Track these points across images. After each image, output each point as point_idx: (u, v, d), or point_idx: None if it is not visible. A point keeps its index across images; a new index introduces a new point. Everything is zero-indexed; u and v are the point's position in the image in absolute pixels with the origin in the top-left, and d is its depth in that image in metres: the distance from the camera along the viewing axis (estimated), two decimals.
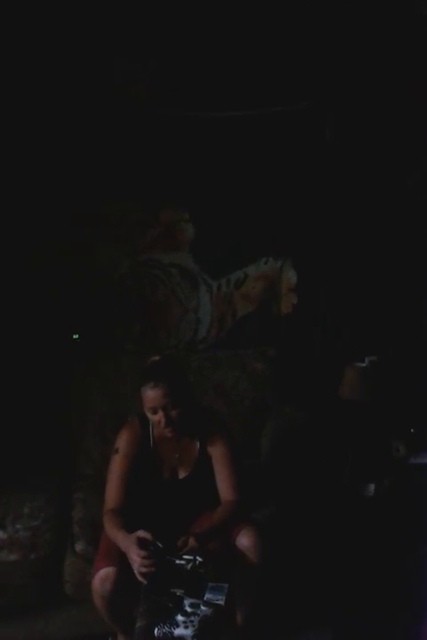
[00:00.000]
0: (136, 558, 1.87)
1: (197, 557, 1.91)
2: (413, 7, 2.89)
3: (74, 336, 3.16)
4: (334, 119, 3.20)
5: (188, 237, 3.30)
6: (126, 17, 2.93)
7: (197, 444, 2.21)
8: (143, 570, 1.86)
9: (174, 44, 3.05)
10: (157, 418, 2.09)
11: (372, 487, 2.58)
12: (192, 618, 1.77)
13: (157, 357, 2.20)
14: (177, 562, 1.91)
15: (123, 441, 2.18)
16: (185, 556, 1.92)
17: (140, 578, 1.87)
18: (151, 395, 2.07)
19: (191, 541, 1.93)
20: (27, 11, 2.79)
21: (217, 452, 2.19)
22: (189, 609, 1.80)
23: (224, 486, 2.18)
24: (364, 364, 2.99)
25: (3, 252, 2.98)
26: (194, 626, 1.75)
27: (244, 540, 2.07)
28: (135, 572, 1.88)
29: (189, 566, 1.90)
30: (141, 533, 1.92)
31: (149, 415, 2.11)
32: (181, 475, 2.20)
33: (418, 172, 3.17)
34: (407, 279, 3.25)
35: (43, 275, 3.05)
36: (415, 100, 3.06)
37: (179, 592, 1.85)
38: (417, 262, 3.19)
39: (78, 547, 2.32)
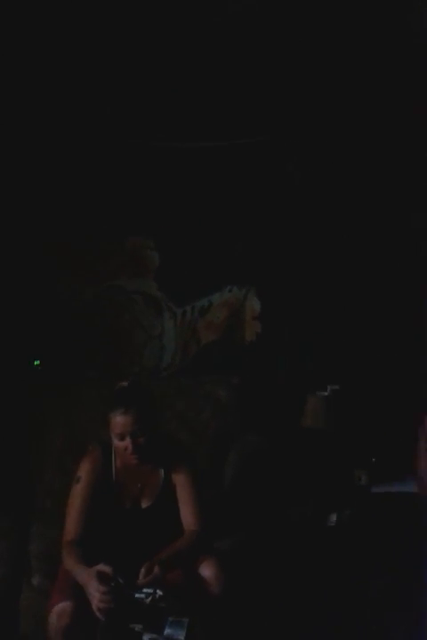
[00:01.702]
0: (95, 594, 1.83)
1: (157, 591, 1.87)
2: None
3: (35, 362, 3.10)
4: (296, 151, 3.26)
5: (153, 265, 3.30)
6: (92, 48, 2.95)
7: (162, 473, 2.18)
8: (102, 605, 1.82)
9: (141, 75, 3.08)
10: (123, 444, 2.07)
11: (334, 517, 2.59)
12: None
13: (125, 383, 2.18)
14: (136, 595, 1.86)
15: (84, 470, 2.14)
16: (145, 590, 1.88)
17: (98, 614, 1.83)
18: (120, 421, 2.05)
19: (155, 569, 1.90)
20: None
21: (181, 482, 2.17)
22: None
23: (187, 515, 2.16)
24: (326, 393, 3.01)
25: None
26: None
27: (206, 571, 2.04)
28: (93, 607, 1.83)
29: (148, 600, 1.86)
30: (101, 567, 1.87)
31: (116, 441, 2.08)
32: (144, 504, 2.17)
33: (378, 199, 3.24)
34: (369, 308, 3.30)
35: (4, 300, 3.00)
36: (376, 128, 3.15)
37: (137, 628, 1.81)
38: (379, 290, 3.24)
39: (35, 580, 2.26)
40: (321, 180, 3.27)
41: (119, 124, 3.17)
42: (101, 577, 1.85)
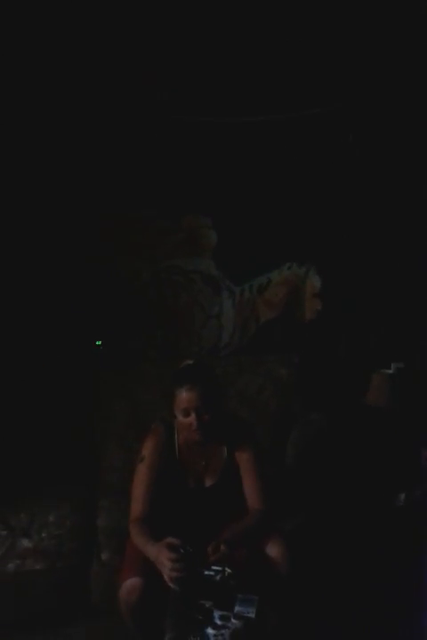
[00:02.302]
0: (167, 562, 1.84)
1: (226, 568, 1.87)
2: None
3: (97, 343, 3.14)
4: (357, 123, 3.16)
5: (210, 243, 3.28)
6: (145, 27, 2.92)
7: (225, 451, 2.18)
8: (174, 574, 1.83)
9: (195, 51, 3.04)
10: (188, 420, 2.07)
11: (403, 496, 2.53)
12: (222, 631, 1.73)
13: (190, 361, 2.19)
14: (206, 573, 1.87)
15: (148, 449, 2.15)
16: (214, 567, 1.88)
17: (170, 584, 1.84)
18: (186, 396, 2.06)
19: (222, 548, 1.90)
20: (44, 18, 2.79)
21: (245, 460, 2.16)
22: (218, 622, 1.76)
23: (252, 494, 2.15)
24: (391, 371, 2.94)
25: (28, 260, 2.98)
26: (224, 639, 1.71)
27: (273, 551, 2.03)
28: (166, 577, 1.85)
29: (218, 577, 1.86)
30: (170, 539, 1.89)
31: (180, 417, 2.09)
32: (208, 483, 2.17)
33: None
34: None
35: (66, 282, 3.05)
36: None
37: (208, 604, 1.81)
38: None
39: (104, 556, 2.30)
40: (382, 154, 3.17)
41: (175, 101, 3.14)
42: (171, 547, 1.87)
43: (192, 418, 2.06)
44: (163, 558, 1.86)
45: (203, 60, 3.07)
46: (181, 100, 3.14)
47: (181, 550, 1.86)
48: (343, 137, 3.17)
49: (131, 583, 1.93)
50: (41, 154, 2.96)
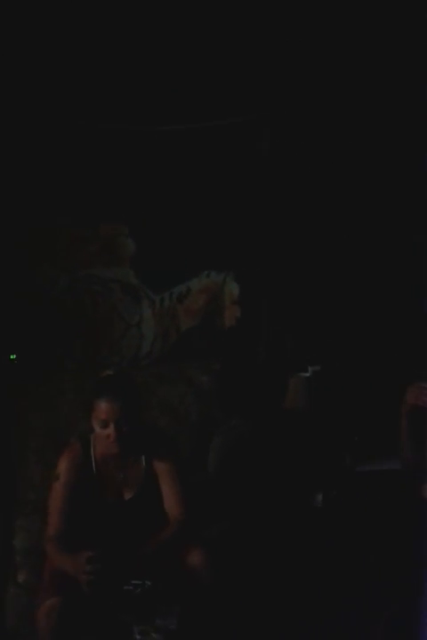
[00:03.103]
0: (83, 568, 1.83)
1: (146, 581, 1.86)
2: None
3: (11, 356, 3.04)
4: (270, 132, 3.23)
5: (128, 252, 3.25)
6: (68, 29, 2.87)
7: (143, 463, 2.16)
8: (90, 578, 1.82)
9: (113, 56, 3.01)
10: (106, 432, 2.04)
11: (320, 497, 2.60)
12: None
13: (110, 371, 2.18)
14: (125, 587, 1.85)
15: (63, 466, 2.11)
16: (133, 581, 1.86)
17: (86, 590, 1.82)
18: (105, 407, 2.03)
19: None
20: None
21: (163, 470, 2.15)
22: (138, 637, 1.74)
23: (171, 504, 2.15)
24: (307, 374, 3.02)
25: None
26: None
27: (193, 560, 2.03)
28: (83, 585, 1.82)
29: (137, 591, 1.85)
30: (87, 552, 1.87)
31: (98, 429, 2.06)
32: (127, 495, 2.15)
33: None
34: (348, 288, 3.30)
35: None
36: (349, 108, 3.14)
37: (128, 619, 1.79)
38: (358, 269, 3.25)
39: (21, 577, 2.23)
40: (296, 160, 3.25)
41: (91, 108, 3.09)
42: (88, 556, 1.85)
43: (111, 429, 2.04)
44: (79, 566, 1.84)
45: (121, 67, 3.04)
46: (99, 107, 3.10)
47: (98, 558, 1.84)
48: (257, 144, 3.22)
49: (50, 603, 1.88)
50: None
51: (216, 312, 3.33)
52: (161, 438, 2.23)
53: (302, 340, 3.24)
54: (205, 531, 2.31)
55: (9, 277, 3.02)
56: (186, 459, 2.62)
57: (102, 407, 2.04)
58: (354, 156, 3.21)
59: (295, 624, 2.29)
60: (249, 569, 2.40)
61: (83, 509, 2.07)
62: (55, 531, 2.03)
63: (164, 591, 1.88)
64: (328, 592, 2.33)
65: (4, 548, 2.37)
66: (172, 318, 3.30)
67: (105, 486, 2.13)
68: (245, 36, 3.03)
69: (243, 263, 3.28)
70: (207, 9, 2.91)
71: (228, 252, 3.27)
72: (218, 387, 3.03)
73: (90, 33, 2.92)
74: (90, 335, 3.19)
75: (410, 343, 2.79)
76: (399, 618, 1.86)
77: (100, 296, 3.22)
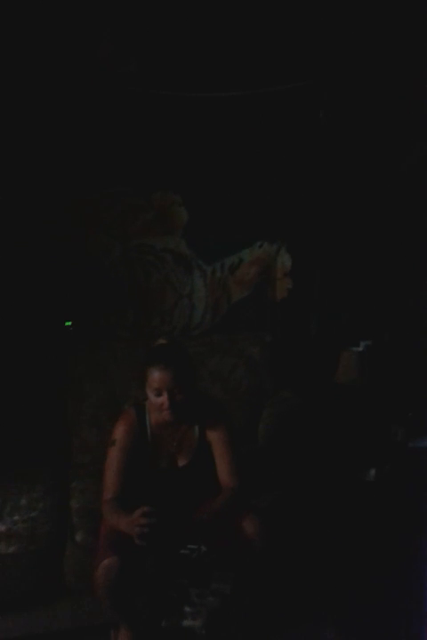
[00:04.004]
0: (138, 520, 1.87)
1: (202, 546, 1.90)
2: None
3: (67, 323, 3.10)
4: (328, 100, 3.15)
5: (181, 221, 3.24)
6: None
7: (197, 431, 2.19)
8: (144, 526, 1.86)
9: (165, 22, 2.98)
10: (160, 400, 2.07)
11: (373, 472, 2.59)
12: (199, 608, 1.75)
13: (164, 340, 2.18)
14: (181, 551, 1.89)
15: (119, 432, 2.15)
16: (189, 546, 1.90)
17: (138, 541, 1.86)
18: (159, 376, 2.06)
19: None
20: None
21: (217, 438, 2.17)
22: (195, 599, 1.78)
23: (225, 472, 2.16)
24: (359, 348, 2.98)
25: None
26: (202, 616, 1.73)
27: (247, 528, 2.06)
28: (135, 537, 1.86)
29: (193, 556, 1.88)
30: (144, 508, 1.92)
31: (152, 397, 2.09)
32: (181, 463, 2.18)
33: (414, 155, 3.14)
34: (403, 262, 3.24)
35: (35, 262, 2.99)
36: (412, 81, 3.03)
37: (184, 582, 1.83)
38: (413, 245, 3.17)
39: (78, 537, 2.29)
40: (355, 130, 3.17)
41: (146, 75, 3.07)
42: (144, 511, 1.90)
43: (164, 398, 2.06)
44: (133, 520, 1.88)
45: (173, 35, 3.01)
46: (154, 74, 3.07)
47: (153, 513, 1.88)
48: (314, 113, 3.16)
49: (108, 562, 1.93)
50: (8, 131, 2.87)
51: (268, 283, 3.31)
52: (214, 407, 2.25)
53: (354, 314, 3.20)
54: (256, 500, 2.33)
55: (65, 246, 3.07)
56: (236, 429, 2.66)
57: (155, 376, 2.06)
58: (413, 125, 3.12)
59: (346, 594, 2.31)
60: (300, 539, 2.42)
61: (137, 475, 2.11)
62: (111, 494, 2.08)
63: (219, 556, 1.90)
64: (378, 565, 2.34)
65: (62, 510, 2.44)
66: (223, 289, 3.30)
67: (159, 453, 2.17)
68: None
69: (296, 234, 3.24)
70: None
71: (281, 223, 3.23)
72: (269, 358, 3.03)
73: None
74: (142, 304, 3.22)
75: None
76: None
77: (152, 266, 3.24)
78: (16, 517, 2.35)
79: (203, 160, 3.16)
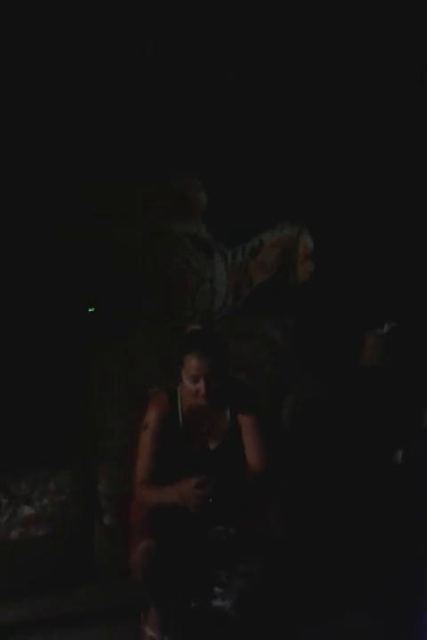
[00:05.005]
0: (193, 485, 1.89)
1: (230, 529, 1.91)
2: None
3: (89, 309, 3.12)
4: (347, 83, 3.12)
5: (200, 205, 3.23)
6: None
7: (228, 415, 2.20)
8: (200, 493, 1.87)
9: (182, 14, 2.95)
10: (196, 387, 2.08)
11: (400, 454, 2.58)
12: (229, 589, 1.77)
13: (197, 326, 2.21)
14: (210, 533, 1.91)
15: (151, 416, 2.17)
16: (217, 528, 1.92)
17: (194, 508, 1.87)
18: (197, 364, 2.07)
19: None
20: None
21: (247, 422, 2.19)
22: (225, 580, 1.80)
23: (254, 456, 2.18)
24: (384, 331, 2.96)
25: (17, 226, 2.93)
26: (231, 597, 1.75)
27: (269, 515, 2.06)
28: (190, 503, 1.88)
29: (222, 537, 1.90)
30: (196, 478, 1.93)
31: (188, 383, 2.10)
32: (212, 446, 2.20)
33: None
34: (423, 244, 3.20)
35: (56, 249, 3.00)
36: None
37: (214, 564, 1.85)
38: None
39: (106, 520, 2.33)
40: (372, 111, 3.13)
41: (161, 61, 3.06)
42: (198, 482, 1.91)
43: (201, 385, 2.08)
44: (187, 491, 1.90)
45: (190, 19, 2.98)
46: (170, 59, 3.05)
47: (206, 482, 1.90)
48: (323, 93, 3.11)
49: (146, 544, 1.95)
50: (27, 120, 2.89)
51: (290, 266, 3.29)
52: (245, 392, 2.26)
53: (377, 296, 3.17)
54: (280, 485, 2.34)
55: (85, 233, 3.08)
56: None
57: (193, 363, 2.08)
58: None
59: (374, 579, 2.31)
60: (325, 524, 2.43)
61: (169, 458, 2.13)
62: (144, 476, 2.10)
63: (247, 539, 1.92)
64: (405, 549, 2.34)
65: (90, 493, 2.47)
66: (244, 273, 3.29)
67: (190, 437, 2.18)
68: None
69: (318, 216, 3.21)
70: None
71: (302, 205, 3.19)
72: (292, 342, 3.02)
73: None
74: (163, 290, 3.22)
75: None
76: None
77: (172, 251, 3.24)
78: (45, 501, 2.39)
79: (221, 143, 3.13)
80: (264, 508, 2.09)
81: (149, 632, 2.06)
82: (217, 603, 1.74)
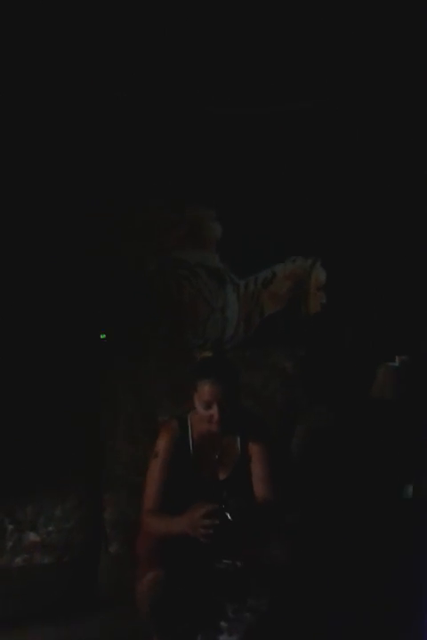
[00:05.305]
0: (202, 513, 1.86)
1: (238, 562, 1.88)
2: None
3: (101, 336, 3.13)
4: (361, 116, 3.15)
5: (214, 236, 3.27)
6: (147, 19, 2.89)
7: (238, 443, 2.18)
8: (208, 523, 1.84)
9: (198, 43, 3.01)
10: (209, 413, 2.07)
11: (410, 489, 2.54)
12: (236, 624, 1.73)
13: (208, 353, 2.21)
14: (218, 566, 1.88)
15: (162, 444, 2.15)
16: (225, 561, 1.89)
17: (203, 538, 1.85)
18: (209, 389, 2.06)
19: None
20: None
21: (256, 452, 2.17)
22: (231, 615, 1.77)
23: (261, 486, 2.15)
24: (396, 364, 2.94)
25: (31, 251, 2.97)
26: (238, 632, 1.71)
27: (275, 548, 2.03)
28: (199, 533, 1.86)
29: (230, 570, 1.87)
30: (205, 507, 1.90)
31: (201, 409, 2.09)
32: (222, 476, 2.17)
33: None
34: None
35: (70, 274, 3.03)
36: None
37: (221, 598, 1.82)
38: None
39: (112, 548, 2.30)
40: (387, 147, 3.16)
41: (179, 92, 3.11)
42: (206, 512, 1.88)
43: (214, 411, 2.06)
44: (196, 515, 1.87)
45: (207, 51, 3.04)
46: (188, 92, 3.11)
47: (215, 511, 1.86)
48: (349, 130, 3.15)
49: (154, 576, 1.91)
50: (47, 143, 2.94)
51: (301, 298, 3.29)
52: (256, 421, 2.25)
53: (389, 329, 3.16)
54: (289, 515, 2.31)
55: (99, 259, 3.11)
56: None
57: (206, 389, 2.07)
58: None
59: (381, 614, 2.26)
60: (333, 557, 2.38)
61: (179, 487, 2.10)
62: (152, 505, 2.07)
63: (255, 573, 1.89)
64: (415, 583, 2.29)
65: (95, 521, 2.45)
66: (256, 303, 3.30)
67: (201, 465, 2.16)
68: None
69: (330, 249, 3.23)
70: None
71: (315, 238, 3.22)
72: (303, 373, 3.01)
73: (179, 20, 2.92)
74: (175, 318, 3.24)
75: None
76: None
77: (185, 279, 3.26)
78: (51, 528, 2.37)
79: (237, 175, 3.18)
80: (269, 538, 2.05)
81: None
82: (223, 638, 1.71)
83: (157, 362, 3.03)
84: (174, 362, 3.02)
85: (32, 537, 2.34)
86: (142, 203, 3.18)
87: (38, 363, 2.89)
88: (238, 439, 2.18)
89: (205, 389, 2.07)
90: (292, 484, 2.55)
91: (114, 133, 3.06)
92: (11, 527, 2.35)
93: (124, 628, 2.24)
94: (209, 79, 3.09)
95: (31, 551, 2.32)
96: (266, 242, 3.21)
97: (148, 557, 2.00)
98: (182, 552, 1.95)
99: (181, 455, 2.14)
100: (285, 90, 3.12)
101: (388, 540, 2.46)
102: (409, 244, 3.21)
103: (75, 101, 2.96)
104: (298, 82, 3.09)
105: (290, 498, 2.44)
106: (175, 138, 3.14)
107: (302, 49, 3.03)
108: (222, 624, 1.74)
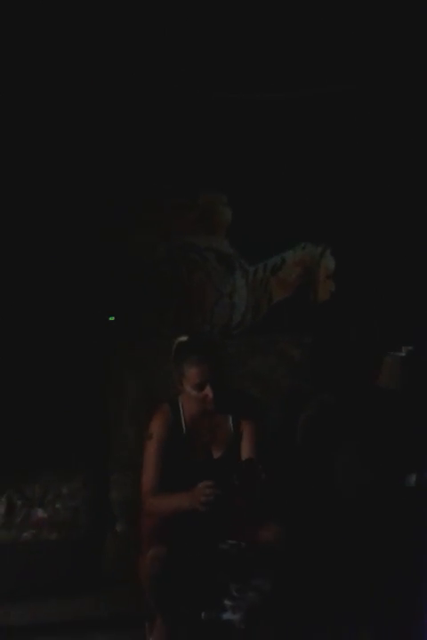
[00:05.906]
0: (202, 488, 1.91)
1: (242, 542, 1.91)
2: None
3: (110, 318, 3.15)
4: (373, 104, 3.14)
5: (225, 221, 3.27)
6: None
7: (230, 423, 2.20)
8: (209, 492, 1.88)
9: (211, 29, 3.00)
10: (204, 392, 2.08)
11: (413, 477, 2.56)
12: (239, 603, 1.76)
13: (184, 338, 2.22)
14: (222, 546, 1.91)
15: (155, 426, 2.18)
16: (229, 541, 1.92)
17: (201, 507, 1.89)
18: (198, 371, 2.08)
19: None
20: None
21: (247, 429, 2.19)
22: (235, 594, 1.80)
23: (246, 454, 2.15)
24: (402, 354, 2.95)
25: (39, 234, 2.98)
26: (241, 611, 1.74)
27: (266, 534, 2.04)
28: (198, 503, 1.90)
29: (234, 551, 1.90)
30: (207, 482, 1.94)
31: (194, 392, 2.10)
32: (216, 454, 2.20)
33: None
34: None
35: (80, 257, 3.05)
36: None
37: (225, 576, 1.85)
38: None
39: (119, 527, 2.34)
40: (400, 134, 3.14)
41: (191, 78, 3.11)
42: (207, 485, 1.92)
43: (207, 390, 2.08)
44: (197, 495, 1.91)
45: (219, 37, 3.03)
46: (199, 77, 3.11)
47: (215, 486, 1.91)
48: (360, 116, 3.14)
49: (155, 552, 1.94)
50: (60, 130, 2.95)
51: (310, 285, 3.30)
52: (247, 400, 2.27)
53: (396, 319, 3.17)
54: (292, 501, 2.33)
55: (109, 242, 3.12)
56: (275, 430, 2.66)
57: (194, 371, 2.08)
58: None
59: (381, 598, 2.29)
60: (336, 543, 2.41)
61: (174, 468, 2.13)
62: (150, 486, 2.10)
63: (258, 554, 1.91)
64: (416, 571, 2.31)
65: (102, 500, 2.48)
66: (264, 289, 3.30)
67: (194, 446, 2.19)
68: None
69: (340, 238, 3.22)
70: None
71: (326, 226, 3.22)
72: (310, 360, 3.02)
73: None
74: (184, 302, 3.25)
75: None
76: None
77: (195, 264, 3.27)
78: (58, 505, 2.40)
79: (248, 161, 3.18)
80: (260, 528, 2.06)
81: None
82: (226, 616, 1.74)
83: (163, 345, 3.03)
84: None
85: (40, 513, 2.39)
86: (155, 188, 3.18)
87: (47, 346, 2.92)
88: (230, 418, 2.20)
89: (193, 372, 2.08)
90: (296, 469, 2.58)
91: (126, 120, 3.07)
92: (19, 503, 2.40)
93: (128, 605, 2.29)
94: (223, 65, 3.08)
95: (39, 527, 2.36)
96: (276, 228, 3.21)
97: (151, 535, 2.04)
98: (186, 531, 1.98)
99: (174, 437, 2.17)
100: (296, 76, 3.11)
101: (391, 529, 2.48)
102: (419, 235, 3.20)
103: (88, 89, 2.96)
104: (310, 68, 3.07)
105: (294, 483, 2.47)
106: (188, 124, 3.14)
107: (315, 34, 3.02)
108: (226, 602, 1.77)
